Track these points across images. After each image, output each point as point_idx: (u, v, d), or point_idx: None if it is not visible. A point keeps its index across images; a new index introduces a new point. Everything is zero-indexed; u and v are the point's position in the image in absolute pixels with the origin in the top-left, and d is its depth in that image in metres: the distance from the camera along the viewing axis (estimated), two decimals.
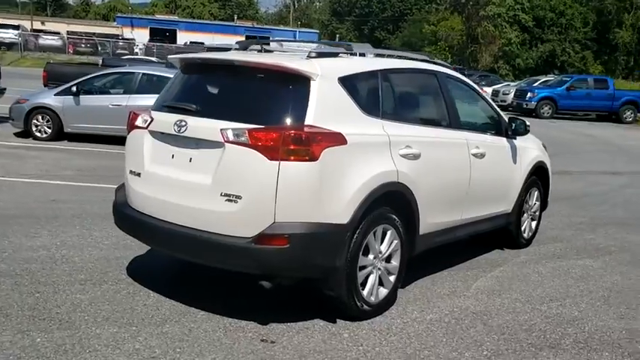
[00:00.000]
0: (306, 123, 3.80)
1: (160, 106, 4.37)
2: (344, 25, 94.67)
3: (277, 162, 3.67)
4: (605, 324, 4.51)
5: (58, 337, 3.74)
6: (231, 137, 3.79)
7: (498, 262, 5.93)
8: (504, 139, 5.89)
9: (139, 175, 4.30)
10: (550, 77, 31.70)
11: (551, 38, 48.93)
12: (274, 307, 4.42)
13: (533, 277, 5.54)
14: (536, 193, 6.54)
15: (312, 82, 3.90)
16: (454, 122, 5.19)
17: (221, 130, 3.83)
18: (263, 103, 4.01)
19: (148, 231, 4.21)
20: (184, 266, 5.11)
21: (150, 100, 11.38)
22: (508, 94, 28.75)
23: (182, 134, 4.01)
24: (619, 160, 14.96)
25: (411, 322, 4.31)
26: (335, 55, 4.28)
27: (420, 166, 4.49)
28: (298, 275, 3.96)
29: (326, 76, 3.98)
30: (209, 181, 3.88)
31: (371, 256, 4.22)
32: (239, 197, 3.74)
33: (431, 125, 4.93)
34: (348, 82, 4.13)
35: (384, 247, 4.31)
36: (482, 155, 5.37)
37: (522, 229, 6.39)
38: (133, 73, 12.06)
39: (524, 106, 26.15)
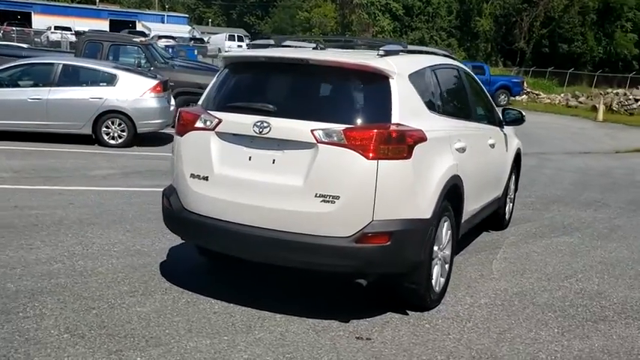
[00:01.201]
0: (393, 121, 3.87)
1: (224, 107, 4.20)
2: (211, 9, 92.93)
3: (376, 161, 3.72)
4: (625, 295, 5.04)
5: (158, 355, 3.55)
6: (324, 138, 3.77)
7: (495, 245, 6.34)
8: (498, 128, 6.29)
9: (205, 178, 4.12)
10: None
11: (420, 26, 51.50)
12: (338, 305, 4.46)
13: (535, 257, 6.00)
14: (513, 177, 7.05)
15: (391, 81, 3.97)
16: (474, 115, 5.48)
17: (312, 130, 3.79)
18: (345, 102, 4.02)
19: (223, 236, 4.05)
20: (217, 268, 5.00)
21: (73, 92, 10.66)
22: None
23: (264, 136, 3.90)
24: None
25: (471, 308, 4.54)
26: (397, 52, 4.36)
27: (465, 158, 4.72)
28: (392, 271, 4.03)
29: (400, 74, 4.06)
30: (300, 182, 3.83)
31: (436, 247, 4.39)
32: (336, 197, 3.74)
33: (465, 119, 5.18)
34: (414, 79, 4.24)
35: (444, 238, 4.49)
36: (493, 145, 5.72)
37: (506, 211, 6.87)
38: (52, 64, 11.17)
39: None
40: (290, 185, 3.86)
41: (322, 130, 3.78)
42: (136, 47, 13.92)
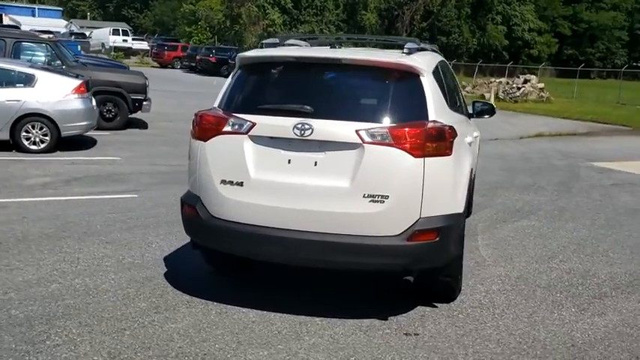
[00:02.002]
0: (430, 119, 3.94)
1: (255, 109, 4.05)
2: (85, 2, 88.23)
3: (422, 159, 3.77)
4: (608, 271, 5.46)
5: None
6: (370, 138, 3.76)
7: (468, 232, 6.60)
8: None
9: (240, 184, 3.97)
10: None
11: (310, 20, 52.02)
12: (365, 302, 4.50)
13: (512, 241, 6.33)
14: None
15: (422, 78, 4.04)
16: (464, 108, 5.68)
17: (357, 131, 3.77)
18: (382, 100, 4.03)
19: (265, 243, 3.92)
20: (223, 275, 4.86)
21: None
22: None
23: (306, 138, 3.82)
24: None
25: (489, 295, 4.73)
26: (418, 50, 4.41)
27: (472, 152, 4.89)
28: (437, 266, 4.09)
29: (428, 71, 4.14)
30: (346, 183, 3.80)
31: None
32: (386, 197, 3.76)
33: (461, 113, 5.35)
34: (436, 76, 4.33)
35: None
36: (476, 136, 5.96)
37: (472, 199, 7.18)
38: None
39: None
40: (336, 187, 3.81)
41: (367, 130, 3.77)
42: (44, 45, 12.95)
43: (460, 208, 4.10)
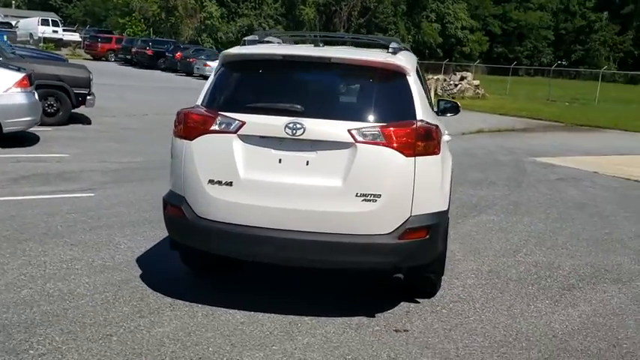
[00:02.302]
0: (418, 118, 4.00)
1: (243, 108, 3.98)
2: None
3: (413, 158, 3.83)
4: (571, 263, 5.70)
5: None
6: (362, 137, 3.78)
7: None
8: None
9: (229, 184, 3.90)
10: None
11: (248, 13, 51.53)
12: (347, 300, 4.53)
13: (476, 236, 6.51)
14: None
15: (408, 78, 4.09)
16: (432, 106, 5.76)
17: (349, 130, 3.78)
18: (372, 100, 4.05)
19: (254, 243, 3.88)
20: (201, 275, 4.78)
21: None
22: None
23: (297, 137, 3.80)
24: None
25: (466, 290, 4.86)
26: (401, 49, 4.45)
27: (449, 150, 4.99)
28: (425, 263, 4.15)
29: (413, 71, 4.19)
30: (339, 183, 3.81)
31: None
32: (378, 196, 3.79)
33: (434, 111, 5.42)
34: (417, 75, 4.39)
35: None
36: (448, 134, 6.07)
37: None
38: None
39: None
40: (328, 186, 3.81)
41: (359, 129, 3.79)
42: None
43: (445, 206, 4.19)
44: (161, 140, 11.62)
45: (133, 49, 38.98)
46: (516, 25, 75.00)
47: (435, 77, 33.93)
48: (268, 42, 4.65)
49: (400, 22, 62.74)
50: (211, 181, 3.94)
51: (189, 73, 34.14)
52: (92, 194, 7.31)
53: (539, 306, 4.58)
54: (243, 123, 3.88)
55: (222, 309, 4.19)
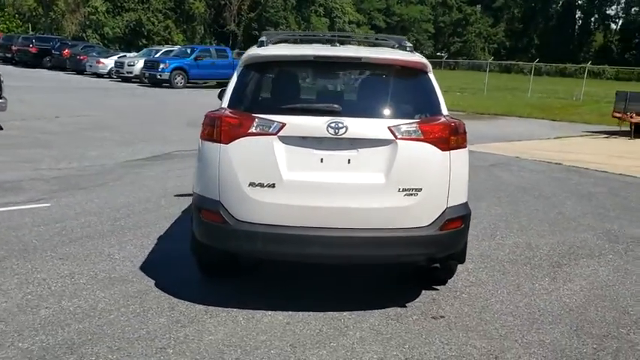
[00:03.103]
0: (443, 113, 4.20)
1: (280, 109, 3.98)
2: None
3: (448, 152, 4.02)
4: (547, 242, 6.17)
5: None
6: (402, 134, 3.92)
7: None
8: None
9: (271, 186, 3.89)
10: (171, 47, 32.79)
11: (135, 7, 49.59)
12: (367, 293, 4.67)
13: None
14: None
15: (430, 75, 4.28)
16: None
17: (389, 127, 3.91)
18: (401, 97, 4.18)
19: (302, 244, 3.91)
20: (219, 281, 4.73)
21: None
22: (134, 65, 28.79)
23: (340, 136, 3.87)
24: None
25: (472, 273, 5.13)
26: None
27: None
28: (457, 251, 4.34)
29: (431, 68, 4.37)
30: (382, 179, 3.92)
31: None
32: (419, 190, 3.95)
33: None
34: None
35: None
36: None
37: None
38: None
39: (158, 76, 26.74)
40: (371, 183, 3.92)
41: (398, 126, 3.92)
42: None
43: (467, 196, 4.41)
44: (85, 144, 11.12)
45: (14, 47, 36.37)
46: (399, 18, 77.88)
47: None
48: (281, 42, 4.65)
49: (290, 16, 63.01)
50: (252, 184, 3.91)
51: (80, 72, 32.43)
52: (48, 204, 6.89)
53: (542, 284, 4.94)
54: (284, 124, 3.88)
55: (260, 311, 4.17)
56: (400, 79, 4.21)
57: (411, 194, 3.93)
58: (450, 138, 4.02)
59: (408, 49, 4.46)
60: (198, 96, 23.60)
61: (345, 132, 3.86)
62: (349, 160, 3.93)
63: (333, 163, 3.92)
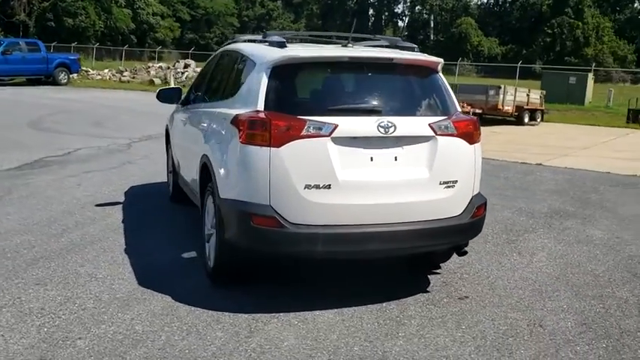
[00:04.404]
0: (458, 110, 4.56)
1: (325, 110, 4.01)
2: None
3: (473, 145, 4.40)
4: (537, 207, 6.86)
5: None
6: (440, 130, 4.20)
7: None
8: None
9: (327, 187, 3.92)
10: None
11: None
12: (378, 284, 4.92)
13: None
14: None
15: (440, 74, 4.61)
16: None
17: (429, 124, 4.17)
18: (429, 95, 4.44)
19: (363, 241, 4.02)
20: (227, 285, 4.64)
21: None
22: None
23: (389, 135, 4.03)
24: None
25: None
26: None
27: None
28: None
29: None
30: (426, 174, 4.16)
31: None
32: (455, 182, 4.26)
33: None
34: None
35: None
36: None
37: None
38: None
39: None
40: (417, 178, 4.14)
41: (436, 122, 4.19)
42: None
43: None
44: None
45: None
46: (204, 11, 77.05)
47: (157, 65, 33.44)
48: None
49: (89, 6, 59.03)
50: (308, 186, 3.91)
51: None
52: None
53: (515, 259, 5.54)
54: (336, 126, 3.93)
55: (306, 312, 4.17)
56: (425, 78, 4.47)
57: (450, 186, 4.23)
58: (474, 132, 4.38)
59: (416, 49, 4.72)
60: (19, 95, 21.38)
61: (394, 131, 4.03)
62: (396, 157, 4.10)
63: (381, 161, 4.07)
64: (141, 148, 11.56)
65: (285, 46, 4.36)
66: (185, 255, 5.40)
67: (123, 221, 6.40)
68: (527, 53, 64.62)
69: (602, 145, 14.49)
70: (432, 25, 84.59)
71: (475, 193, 4.46)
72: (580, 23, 70.15)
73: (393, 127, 4.03)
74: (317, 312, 4.19)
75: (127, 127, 14.45)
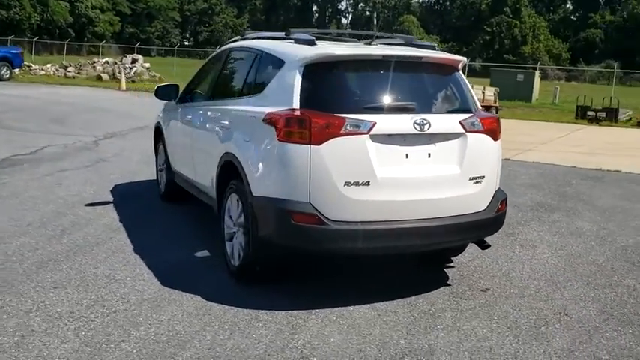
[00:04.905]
0: (479, 107, 4.70)
1: (362, 108, 4.07)
2: None
3: (497, 142, 4.54)
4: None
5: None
6: (469, 127, 4.32)
7: None
8: None
9: (366, 184, 3.98)
10: None
11: None
12: (397, 279, 5.02)
13: None
14: None
15: (461, 72, 4.74)
16: None
17: (460, 121, 4.28)
18: (456, 93, 4.54)
19: (402, 237, 4.10)
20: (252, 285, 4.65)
21: None
22: None
23: (425, 132, 4.11)
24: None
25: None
26: None
27: None
28: None
29: None
30: (457, 170, 4.27)
31: None
32: (482, 177, 4.40)
33: None
34: None
35: None
36: None
37: None
38: None
39: None
40: (449, 174, 4.25)
41: (466, 120, 4.31)
42: None
43: None
44: None
45: None
46: (145, 5, 75.37)
47: (104, 60, 32.53)
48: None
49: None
50: (348, 184, 3.96)
51: None
52: None
53: (519, 251, 5.74)
54: (375, 123, 3.99)
55: (340, 308, 4.20)
56: (449, 75, 4.57)
57: (478, 182, 4.36)
58: (498, 129, 4.53)
59: (436, 48, 4.83)
60: None
61: (429, 128, 4.12)
62: (429, 154, 4.20)
63: (416, 157, 4.16)
64: (109, 146, 11.27)
65: (315, 44, 4.37)
66: (198, 254, 5.34)
67: (120, 221, 6.25)
68: (467, 51, 66.30)
69: (560, 140, 15.10)
70: (375, 23, 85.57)
71: (497, 188, 4.60)
72: (518, 22, 72.65)
73: (427, 125, 4.12)
74: (350, 307, 4.24)
75: (87, 125, 14.04)
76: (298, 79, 4.14)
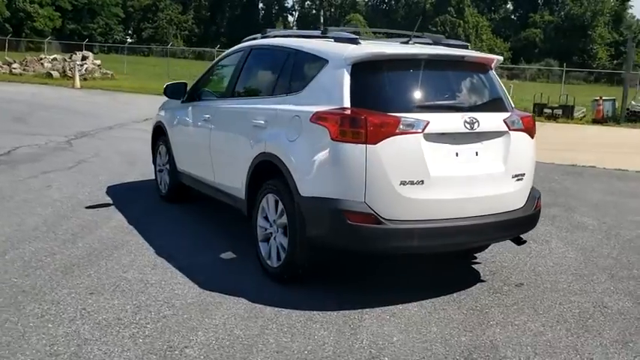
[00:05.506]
0: (512, 105, 4.78)
1: (413, 107, 4.09)
2: None
3: (533, 140, 4.64)
4: None
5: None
6: (512, 125, 4.39)
7: None
8: None
9: (420, 182, 3.99)
10: None
11: None
12: (433, 278, 5.07)
13: None
14: None
15: (494, 71, 4.81)
16: None
17: (504, 120, 4.35)
18: (495, 91, 4.59)
19: (456, 234, 4.14)
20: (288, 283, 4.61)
21: None
22: None
23: (474, 131, 4.16)
24: None
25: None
26: None
27: None
28: None
29: None
30: (502, 168, 4.34)
31: None
32: (523, 175, 4.47)
33: None
34: None
35: None
36: None
37: None
38: None
39: None
40: (495, 172, 4.31)
41: (508, 118, 4.38)
42: None
43: None
44: None
45: None
46: (87, 1, 73.12)
47: (52, 57, 31.42)
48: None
49: None
50: (403, 183, 3.96)
51: None
52: None
53: (540, 247, 5.86)
54: (428, 122, 4.00)
55: (390, 307, 4.21)
56: (486, 74, 4.62)
57: (519, 179, 4.44)
58: (534, 127, 4.62)
59: (469, 47, 4.88)
60: None
61: (478, 126, 4.17)
62: (477, 152, 4.24)
63: (465, 156, 4.19)
64: (84, 146, 10.90)
65: (359, 43, 4.35)
66: (223, 256, 5.24)
67: (130, 223, 6.06)
68: None
69: None
70: (322, 21, 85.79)
71: (532, 185, 4.70)
72: (461, 22, 74.27)
73: (477, 123, 4.16)
74: (400, 306, 4.25)
75: (52, 124, 13.52)
76: (347, 78, 4.10)
